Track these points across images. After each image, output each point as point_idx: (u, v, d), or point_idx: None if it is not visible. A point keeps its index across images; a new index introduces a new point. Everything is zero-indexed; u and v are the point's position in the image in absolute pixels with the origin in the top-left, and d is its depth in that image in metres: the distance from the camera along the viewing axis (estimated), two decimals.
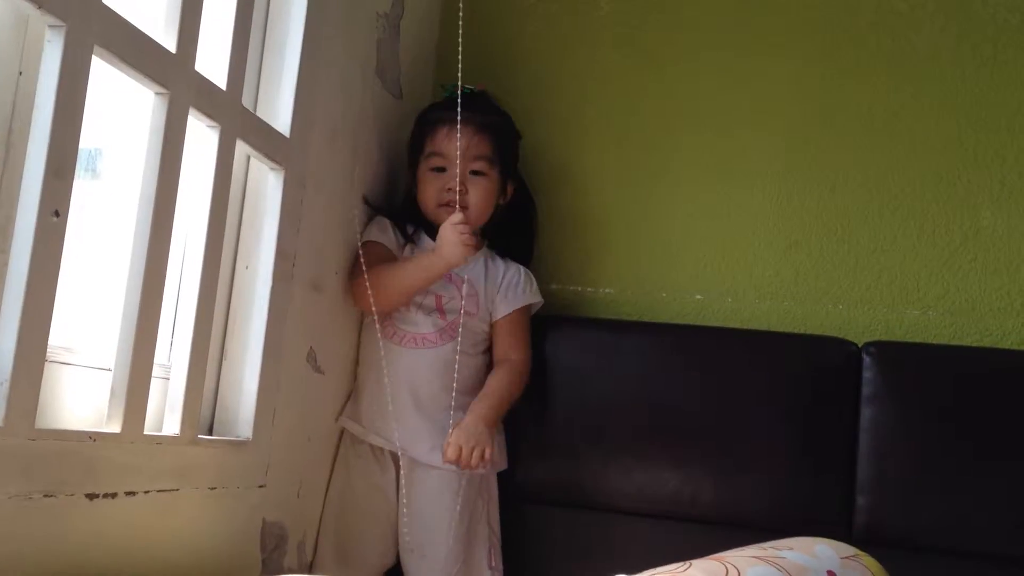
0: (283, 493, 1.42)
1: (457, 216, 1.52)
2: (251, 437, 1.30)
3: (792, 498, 1.60)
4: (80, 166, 0.95)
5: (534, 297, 1.69)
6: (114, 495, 1.03)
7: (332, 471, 1.59)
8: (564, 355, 1.73)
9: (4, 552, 0.89)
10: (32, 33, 0.98)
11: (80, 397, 1.08)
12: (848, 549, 1.20)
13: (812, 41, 1.82)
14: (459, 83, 1.57)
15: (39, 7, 0.88)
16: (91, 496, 0.99)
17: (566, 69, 1.92)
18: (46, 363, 0.93)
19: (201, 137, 1.19)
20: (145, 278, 1.06)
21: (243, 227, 1.35)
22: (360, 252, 1.54)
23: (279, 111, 1.36)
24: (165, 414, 1.17)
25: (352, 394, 1.62)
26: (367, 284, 1.53)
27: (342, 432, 1.61)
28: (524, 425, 1.70)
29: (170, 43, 1.08)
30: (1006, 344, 1.67)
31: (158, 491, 1.10)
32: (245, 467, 1.30)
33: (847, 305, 1.75)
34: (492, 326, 1.66)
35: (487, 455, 1.51)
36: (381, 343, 1.58)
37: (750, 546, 1.18)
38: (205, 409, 1.29)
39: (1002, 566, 1.50)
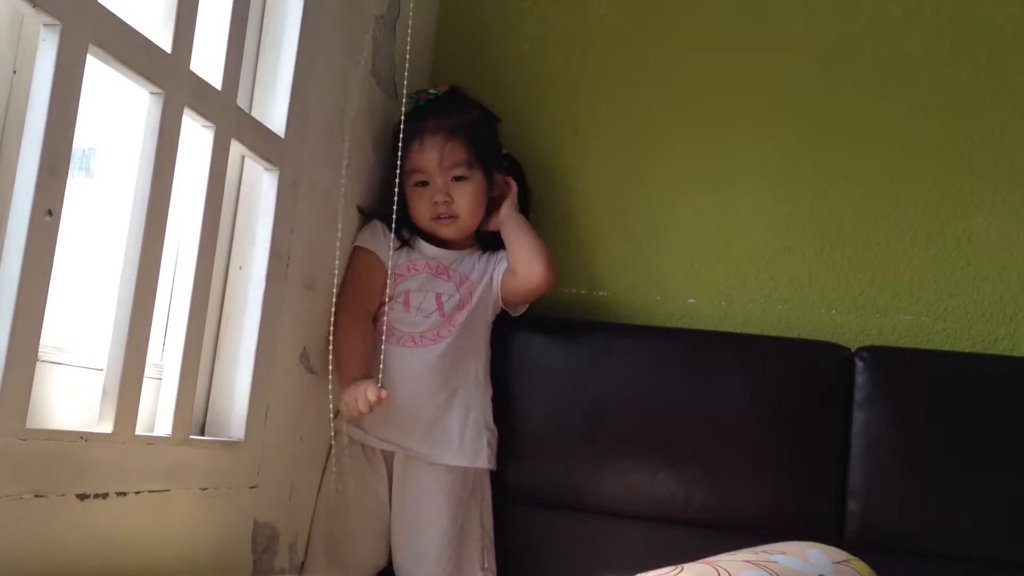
0: (275, 494, 1.42)
1: (371, 396, 1.47)
2: (243, 438, 1.30)
3: (784, 502, 1.60)
4: (74, 165, 0.95)
5: None
6: (105, 495, 1.02)
7: (324, 472, 1.59)
8: (557, 357, 1.73)
9: None
10: (27, 32, 0.98)
11: (71, 397, 1.07)
12: (840, 554, 1.20)
13: (807, 46, 1.83)
14: (402, 89, 1.59)
15: (34, 6, 0.88)
16: (82, 496, 0.99)
17: (561, 71, 1.92)
18: (37, 362, 0.92)
19: (196, 137, 1.19)
20: (138, 278, 1.06)
21: (237, 227, 1.35)
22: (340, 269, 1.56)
23: (274, 111, 1.35)
24: (157, 414, 1.17)
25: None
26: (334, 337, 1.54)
27: (333, 432, 1.60)
28: (517, 427, 1.70)
29: (165, 43, 1.08)
30: (998, 350, 1.68)
31: (149, 492, 1.10)
32: (237, 468, 1.29)
33: (840, 310, 1.75)
34: (502, 284, 1.67)
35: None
36: (382, 346, 1.58)
37: (742, 550, 1.18)
38: (197, 409, 1.29)
39: (994, 571, 1.50)
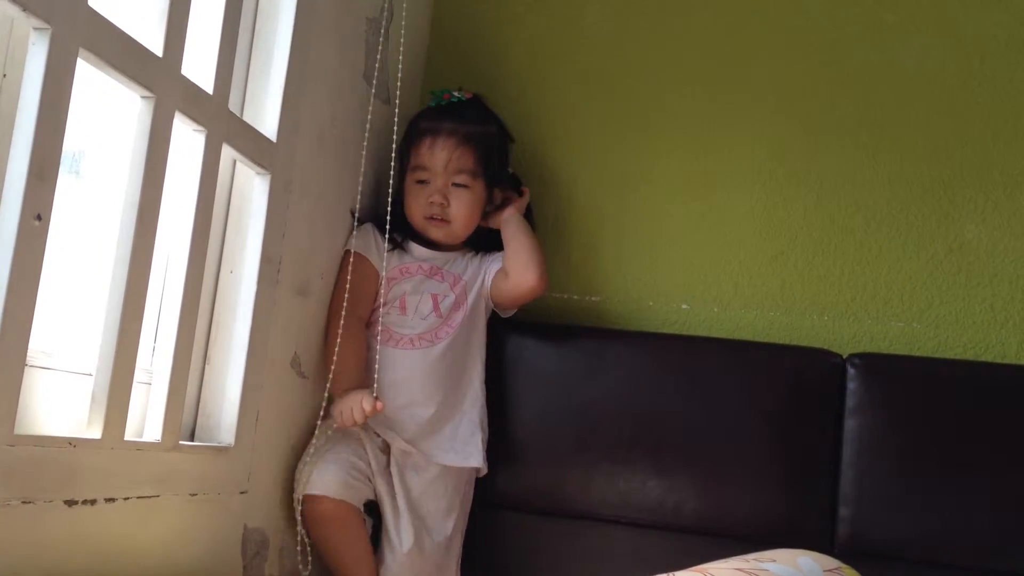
0: (265, 499, 1.42)
1: (367, 406, 1.47)
2: (233, 443, 1.29)
3: (775, 509, 1.60)
4: (63, 168, 0.95)
5: None
6: (93, 502, 1.02)
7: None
8: (549, 362, 1.73)
9: None
10: (16, 35, 0.97)
11: (60, 402, 1.07)
12: (831, 562, 1.20)
13: (799, 52, 1.83)
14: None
15: (24, 9, 0.87)
16: (70, 503, 0.98)
17: (554, 77, 1.92)
18: (26, 367, 0.92)
19: (187, 141, 1.19)
20: (128, 282, 1.05)
21: (228, 231, 1.35)
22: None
23: (266, 116, 1.35)
24: (146, 420, 1.17)
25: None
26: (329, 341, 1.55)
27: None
28: (508, 432, 1.69)
29: (157, 47, 1.07)
30: (989, 357, 1.68)
31: (138, 498, 1.09)
32: (227, 473, 1.29)
33: (832, 316, 1.75)
34: (492, 284, 1.67)
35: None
36: (379, 349, 1.57)
37: (733, 558, 1.18)
38: (187, 415, 1.28)
39: None
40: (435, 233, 1.66)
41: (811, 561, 1.17)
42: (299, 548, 1.48)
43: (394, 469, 1.57)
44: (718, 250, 1.81)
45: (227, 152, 1.25)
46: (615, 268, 1.84)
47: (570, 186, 1.88)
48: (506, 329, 1.73)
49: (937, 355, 1.69)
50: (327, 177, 1.54)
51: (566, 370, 1.72)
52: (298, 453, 1.51)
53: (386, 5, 1.70)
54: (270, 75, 1.36)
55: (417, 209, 1.65)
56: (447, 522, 1.60)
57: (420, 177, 1.66)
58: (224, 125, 1.22)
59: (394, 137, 1.68)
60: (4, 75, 0.97)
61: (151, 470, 1.12)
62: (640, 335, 1.76)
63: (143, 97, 1.07)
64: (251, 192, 1.34)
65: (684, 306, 1.81)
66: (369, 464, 1.54)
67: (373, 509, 1.57)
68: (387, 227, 1.59)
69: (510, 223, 1.68)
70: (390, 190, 1.60)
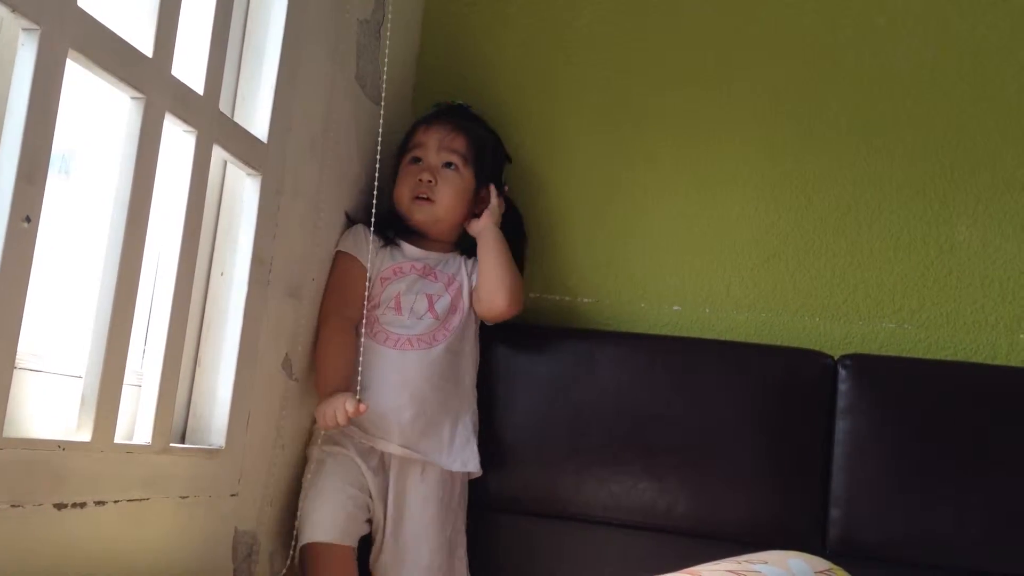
0: (256, 502, 1.41)
1: (350, 408, 1.46)
2: (224, 445, 1.29)
3: (767, 510, 1.60)
4: (52, 168, 0.94)
5: None
6: (83, 505, 1.01)
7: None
8: (542, 364, 1.73)
9: None
10: (5, 36, 0.97)
11: (49, 405, 1.06)
12: (822, 563, 1.20)
13: (792, 54, 1.83)
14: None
15: (12, 10, 0.87)
16: (59, 506, 0.98)
17: (546, 79, 1.92)
18: (14, 370, 0.91)
19: (177, 142, 1.18)
20: (118, 283, 1.05)
21: (219, 233, 1.34)
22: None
23: (257, 117, 1.35)
24: (136, 422, 1.16)
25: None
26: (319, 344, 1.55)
27: (310, 438, 1.58)
28: (500, 434, 1.69)
29: (147, 47, 1.07)
30: (979, 358, 1.68)
31: (128, 501, 1.09)
32: (217, 476, 1.28)
33: (824, 317, 1.75)
34: (471, 296, 1.67)
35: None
36: (375, 349, 1.57)
37: (724, 560, 1.18)
38: (178, 417, 1.28)
39: None
40: (419, 215, 1.66)
41: (802, 563, 1.17)
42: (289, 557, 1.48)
43: (392, 486, 1.56)
44: (710, 252, 1.81)
45: (218, 153, 1.24)
46: (607, 270, 1.84)
47: (562, 187, 1.88)
48: (499, 331, 1.72)
49: (928, 356, 1.69)
50: (319, 178, 1.53)
51: (558, 372, 1.71)
52: (289, 455, 1.50)
53: (378, 6, 1.70)
54: (261, 76, 1.36)
55: (406, 189, 1.66)
56: (446, 528, 1.60)
57: (415, 155, 1.68)
58: (215, 126, 1.21)
59: (379, 138, 1.67)
60: None
61: (141, 473, 1.11)
62: (632, 337, 1.76)
63: (133, 98, 1.07)
64: (242, 193, 1.34)
65: (676, 308, 1.81)
66: (368, 491, 1.55)
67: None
68: (372, 221, 1.58)
69: (484, 236, 1.67)
70: (375, 190, 1.60)
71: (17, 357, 0.92)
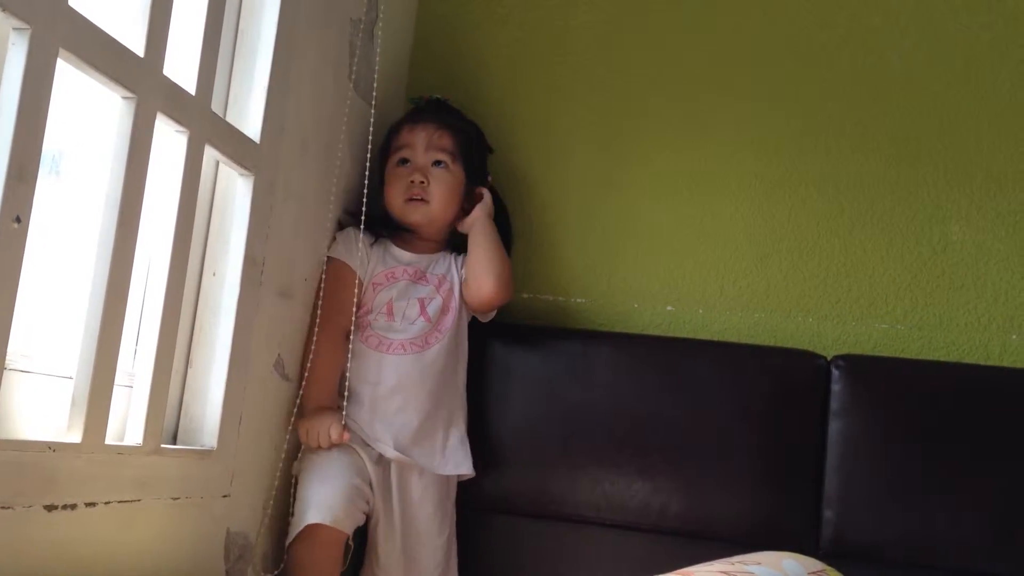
0: (248, 503, 1.41)
1: (334, 436, 1.48)
2: (216, 446, 1.28)
3: (760, 510, 1.60)
4: (42, 168, 0.94)
5: None
6: (74, 506, 1.01)
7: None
8: (535, 365, 1.72)
9: None
10: None
11: (40, 406, 1.05)
12: (815, 564, 1.20)
13: (785, 54, 1.83)
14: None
15: (3, 9, 0.86)
16: (50, 508, 0.97)
17: (540, 78, 1.92)
18: (4, 370, 0.91)
19: (169, 142, 1.18)
20: (109, 284, 1.04)
21: (211, 233, 1.34)
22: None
23: (249, 116, 1.34)
24: (128, 423, 1.15)
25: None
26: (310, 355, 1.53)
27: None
28: (493, 434, 1.69)
29: (138, 47, 1.06)
30: (972, 359, 1.69)
31: (119, 502, 1.08)
32: (209, 477, 1.28)
33: (817, 318, 1.75)
34: (461, 289, 1.66)
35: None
36: (367, 354, 1.57)
37: (717, 560, 1.17)
38: (169, 418, 1.27)
39: None
40: (414, 216, 1.65)
41: (795, 564, 1.17)
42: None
43: (394, 479, 1.56)
44: (703, 252, 1.81)
45: (210, 153, 1.24)
46: (600, 270, 1.84)
47: (556, 187, 1.87)
48: (492, 332, 1.72)
49: (921, 357, 1.70)
50: (311, 178, 1.53)
51: (552, 372, 1.71)
52: (282, 455, 1.50)
53: (371, 5, 1.69)
54: (253, 75, 1.35)
55: (397, 193, 1.65)
56: (444, 529, 1.60)
57: (402, 157, 1.66)
58: (207, 126, 1.21)
59: (370, 137, 1.66)
60: None
61: (132, 474, 1.11)
62: (626, 337, 1.76)
63: (124, 98, 1.06)
64: (234, 193, 1.33)
65: (669, 308, 1.81)
66: (369, 481, 1.53)
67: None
68: (362, 221, 1.58)
69: (475, 228, 1.67)
70: (365, 191, 1.59)
71: (7, 358, 0.91)
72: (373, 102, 1.65)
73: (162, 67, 1.11)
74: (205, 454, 1.27)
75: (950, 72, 1.77)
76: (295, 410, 1.51)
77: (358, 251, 1.60)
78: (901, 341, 1.72)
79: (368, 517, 1.55)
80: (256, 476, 1.42)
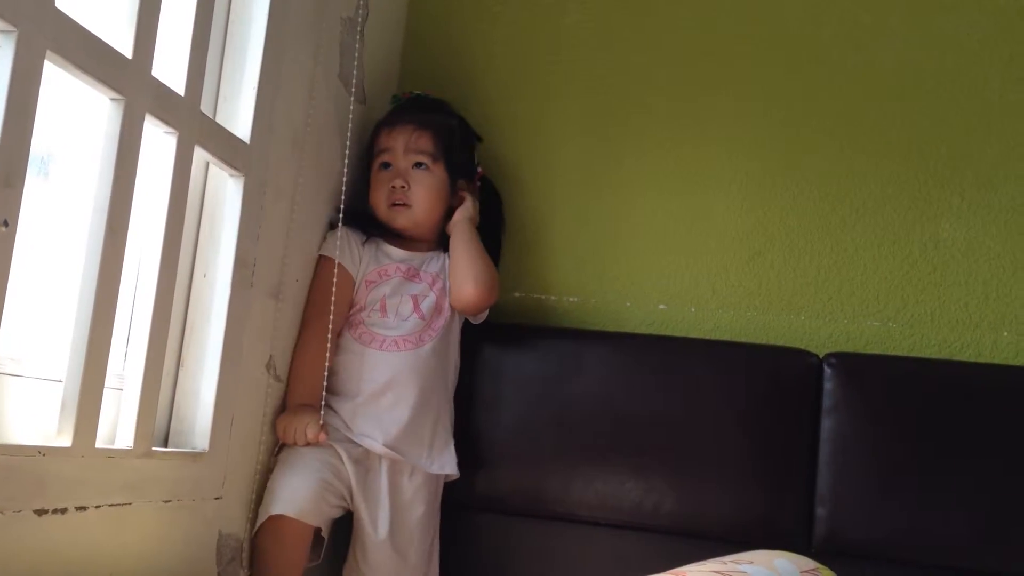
0: (240, 505, 1.40)
1: (311, 435, 1.47)
2: (207, 448, 1.28)
3: (753, 509, 1.60)
4: (31, 171, 0.93)
5: None
6: (64, 511, 1.00)
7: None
8: (527, 364, 1.72)
9: None
10: None
11: (29, 410, 1.05)
12: (808, 563, 1.20)
13: (776, 53, 1.83)
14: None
15: None
16: (40, 512, 0.97)
17: (532, 76, 1.91)
18: None
19: (158, 143, 1.17)
20: (99, 286, 1.04)
21: (201, 235, 1.33)
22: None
23: (239, 117, 1.34)
24: (118, 426, 1.15)
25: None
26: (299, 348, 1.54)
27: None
28: (486, 434, 1.69)
29: (126, 48, 1.06)
30: (964, 356, 1.69)
31: (110, 506, 1.08)
32: (201, 479, 1.27)
33: (809, 316, 1.75)
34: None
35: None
36: (361, 350, 1.56)
37: (710, 560, 1.18)
38: (161, 420, 1.27)
39: None
40: (399, 220, 1.64)
41: (788, 563, 1.17)
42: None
43: (384, 480, 1.55)
44: (695, 250, 1.81)
45: (199, 154, 1.23)
46: (593, 269, 1.84)
47: (548, 186, 1.87)
48: (484, 331, 1.72)
49: (913, 354, 1.70)
50: (302, 178, 1.52)
51: (544, 371, 1.71)
52: (273, 458, 1.49)
53: (361, 3, 1.69)
54: (243, 75, 1.34)
55: (380, 197, 1.64)
56: (429, 529, 1.60)
57: (384, 160, 1.65)
58: (196, 127, 1.20)
59: (348, 134, 1.64)
60: None
61: (123, 477, 1.10)
62: (618, 336, 1.75)
63: (112, 99, 1.06)
64: (224, 194, 1.33)
65: (661, 306, 1.81)
66: (347, 481, 1.51)
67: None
68: (339, 221, 1.59)
69: (454, 234, 1.66)
70: (343, 187, 1.59)
71: None
72: (363, 100, 1.65)
73: (150, 68, 1.10)
74: (197, 456, 1.27)
75: (940, 69, 1.77)
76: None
77: (350, 250, 1.60)
78: (893, 339, 1.72)
79: (348, 513, 1.54)
80: (248, 478, 1.42)
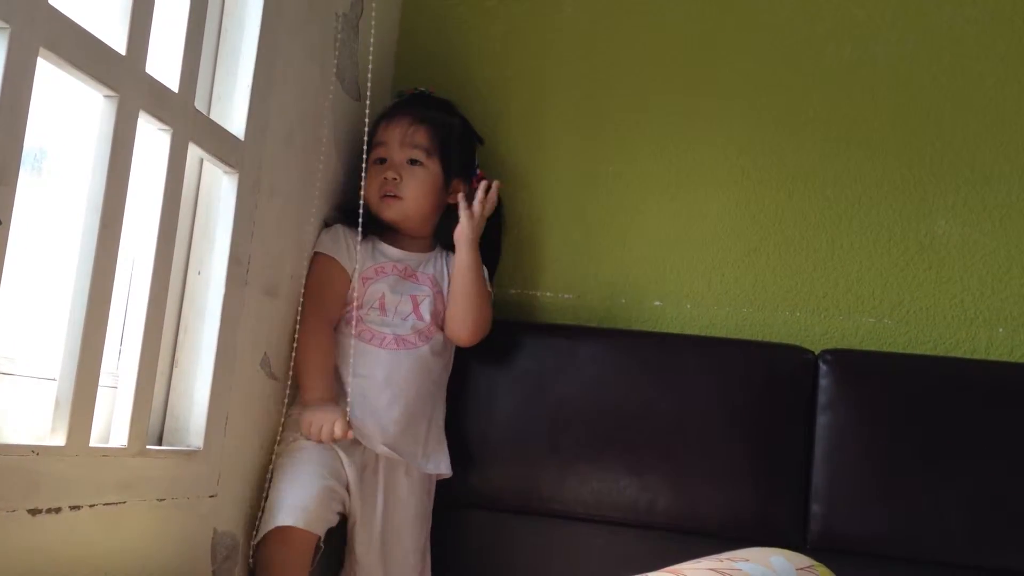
0: (235, 502, 1.40)
1: (339, 432, 1.46)
2: (202, 446, 1.28)
3: (748, 506, 1.60)
4: (24, 166, 0.92)
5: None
6: (58, 510, 1.00)
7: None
8: (522, 360, 1.72)
9: None
10: None
11: (23, 409, 1.04)
12: (804, 560, 1.20)
13: (771, 49, 1.83)
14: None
15: None
16: (34, 512, 0.96)
17: (527, 72, 1.91)
18: None
19: (152, 140, 1.17)
20: (93, 284, 1.03)
21: (195, 232, 1.33)
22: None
23: (234, 113, 1.33)
24: (112, 424, 1.14)
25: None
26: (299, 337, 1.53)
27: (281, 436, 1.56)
28: (480, 431, 1.69)
29: (120, 44, 1.05)
30: (959, 353, 1.69)
31: (104, 505, 1.07)
32: (196, 477, 1.27)
33: (804, 312, 1.75)
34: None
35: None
36: (360, 347, 1.56)
37: (706, 558, 1.18)
38: (155, 418, 1.26)
39: (955, 574, 1.51)
40: (388, 213, 1.64)
41: (784, 560, 1.17)
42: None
43: (381, 478, 1.55)
44: (690, 247, 1.81)
45: (194, 151, 1.23)
46: (588, 265, 1.83)
47: (543, 182, 1.87)
48: None
49: (908, 351, 1.70)
50: (297, 175, 1.52)
51: (539, 368, 1.71)
52: (269, 455, 1.49)
53: (356, 0, 1.68)
54: (237, 72, 1.34)
55: (374, 188, 1.63)
56: (423, 528, 1.61)
57: (379, 155, 1.65)
58: (190, 124, 1.20)
59: (325, 130, 1.64)
60: None
61: (117, 476, 1.10)
62: (613, 332, 1.75)
63: (106, 96, 1.05)
64: (219, 192, 1.32)
65: (657, 303, 1.81)
66: (346, 483, 1.51)
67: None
68: (335, 219, 1.58)
69: (458, 256, 1.63)
70: (338, 184, 1.58)
71: None
72: (358, 96, 1.64)
73: (144, 65, 1.10)
74: (191, 454, 1.26)
75: (936, 66, 1.77)
76: (285, 401, 1.51)
77: (346, 246, 1.60)
78: (888, 335, 1.72)
79: (345, 517, 1.54)
80: (243, 476, 1.42)
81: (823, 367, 1.62)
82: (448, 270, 1.67)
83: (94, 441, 1.07)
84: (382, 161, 1.65)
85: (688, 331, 1.78)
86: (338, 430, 1.45)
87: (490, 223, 1.71)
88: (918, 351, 1.70)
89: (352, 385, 1.54)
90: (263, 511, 1.44)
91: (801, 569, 1.18)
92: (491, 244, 1.73)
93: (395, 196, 1.63)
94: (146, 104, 1.10)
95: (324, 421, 1.46)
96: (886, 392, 1.60)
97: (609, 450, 1.65)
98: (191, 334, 1.30)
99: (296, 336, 1.53)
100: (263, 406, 1.46)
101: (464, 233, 1.63)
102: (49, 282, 1.13)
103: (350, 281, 1.60)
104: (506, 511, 1.68)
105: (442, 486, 1.66)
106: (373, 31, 1.65)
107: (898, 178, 1.76)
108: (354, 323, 1.58)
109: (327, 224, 1.63)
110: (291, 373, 1.53)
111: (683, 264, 1.80)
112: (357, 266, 1.58)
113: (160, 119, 1.14)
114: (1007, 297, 1.70)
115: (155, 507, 1.18)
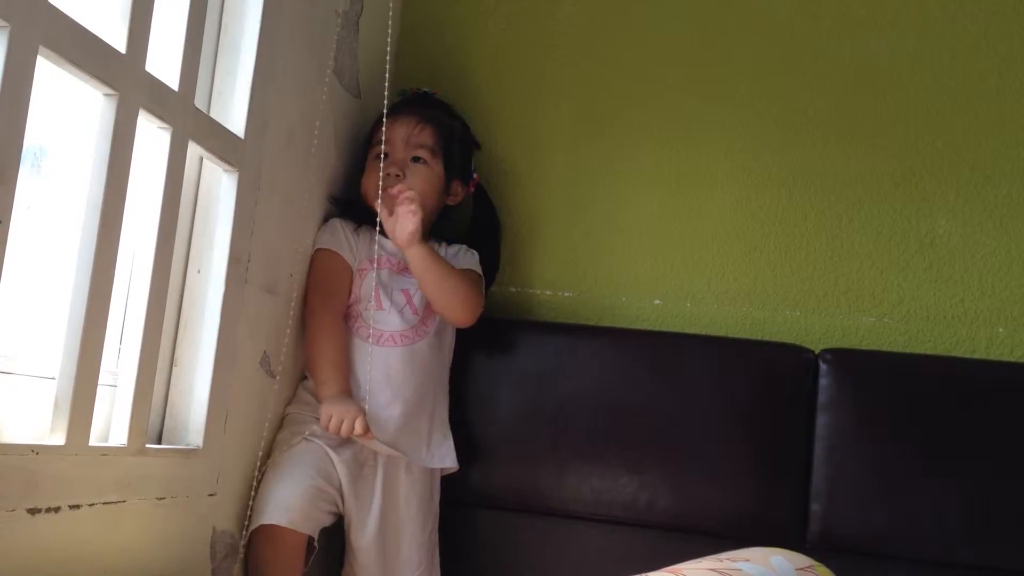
0: (234, 501, 1.40)
1: (359, 429, 1.44)
2: (202, 445, 1.27)
3: (748, 505, 1.60)
4: (23, 164, 0.92)
5: (472, 266, 1.68)
6: (57, 509, 1.00)
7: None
8: (522, 358, 1.72)
9: None
10: None
11: (22, 408, 1.04)
12: (803, 560, 1.20)
13: (772, 47, 1.82)
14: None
15: None
16: (33, 511, 0.96)
17: (526, 70, 1.90)
18: None
19: (152, 138, 1.16)
20: (92, 283, 1.03)
21: (195, 230, 1.32)
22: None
23: (233, 112, 1.33)
24: (112, 423, 1.14)
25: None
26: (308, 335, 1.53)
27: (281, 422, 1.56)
28: (481, 429, 1.69)
29: (119, 43, 1.05)
30: (959, 352, 1.69)
31: (104, 504, 1.07)
32: (195, 476, 1.27)
33: (804, 311, 1.75)
34: None
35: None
36: (357, 344, 1.56)
37: (706, 557, 1.18)
38: (155, 417, 1.26)
39: (956, 573, 1.51)
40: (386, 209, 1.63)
41: (783, 560, 1.17)
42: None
43: (380, 475, 1.54)
44: (691, 245, 1.80)
45: (193, 149, 1.22)
46: (588, 264, 1.83)
47: (543, 181, 1.87)
48: (478, 325, 1.70)
49: (908, 350, 1.70)
50: (297, 173, 1.52)
51: (539, 366, 1.71)
52: (268, 454, 1.49)
53: None
54: (237, 70, 1.34)
55: (372, 184, 1.60)
56: (426, 527, 1.60)
57: (379, 152, 1.61)
58: (190, 122, 1.20)
59: (331, 127, 1.63)
60: None
61: (117, 475, 1.10)
62: (613, 331, 1.75)
63: (106, 95, 1.05)
64: (219, 190, 1.32)
65: (657, 301, 1.80)
66: (338, 484, 1.49)
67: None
68: (334, 212, 1.58)
69: (407, 256, 1.57)
70: (338, 182, 1.58)
71: None
72: (358, 94, 1.64)
73: (144, 63, 1.09)
74: (191, 453, 1.26)
75: (937, 65, 1.77)
76: (289, 401, 1.51)
77: (345, 239, 1.59)
78: (888, 334, 1.72)
79: (341, 517, 1.53)
80: (243, 474, 1.41)
81: (823, 366, 1.62)
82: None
83: (94, 440, 1.06)
84: (382, 157, 1.64)
85: (688, 330, 1.77)
86: (358, 428, 1.44)
87: (485, 230, 1.70)
88: (918, 350, 1.70)
89: (352, 384, 1.54)
90: (250, 510, 1.43)
91: (801, 569, 1.18)
92: (488, 252, 1.73)
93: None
94: (146, 102, 1.10)
95: (344, 415, 1.45)
96: (886, 391, 1.60)
97: (609, 449, 1.65)
98: (191, 333, 1.30)
99: (305, 333, 1.52)
100: (263, 405, 1.46)
101: (404, 229, 1.54)
102: (49, 281, 1.13)
103: (352, 273, 1.59)
104: (506, 509, 1.68)
105: (442, 484, 1.65)
106: (369, 28, 1.65)
107: (899, 177, 1.75)
108: (349, 319, 1.58)
109: (326, 217, 1.63)
110: (293, 372, 1.53)
111: (683, 263, 1.80)
112: (351, 258, 1.59)
113: (160, 117, 1.13)
114: (1007, 297, 1.69)
115: (155, 506, 1.18)
